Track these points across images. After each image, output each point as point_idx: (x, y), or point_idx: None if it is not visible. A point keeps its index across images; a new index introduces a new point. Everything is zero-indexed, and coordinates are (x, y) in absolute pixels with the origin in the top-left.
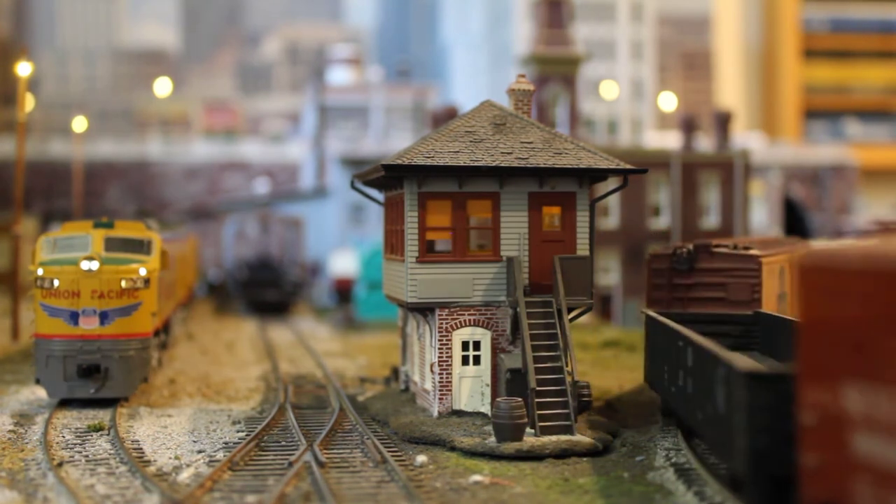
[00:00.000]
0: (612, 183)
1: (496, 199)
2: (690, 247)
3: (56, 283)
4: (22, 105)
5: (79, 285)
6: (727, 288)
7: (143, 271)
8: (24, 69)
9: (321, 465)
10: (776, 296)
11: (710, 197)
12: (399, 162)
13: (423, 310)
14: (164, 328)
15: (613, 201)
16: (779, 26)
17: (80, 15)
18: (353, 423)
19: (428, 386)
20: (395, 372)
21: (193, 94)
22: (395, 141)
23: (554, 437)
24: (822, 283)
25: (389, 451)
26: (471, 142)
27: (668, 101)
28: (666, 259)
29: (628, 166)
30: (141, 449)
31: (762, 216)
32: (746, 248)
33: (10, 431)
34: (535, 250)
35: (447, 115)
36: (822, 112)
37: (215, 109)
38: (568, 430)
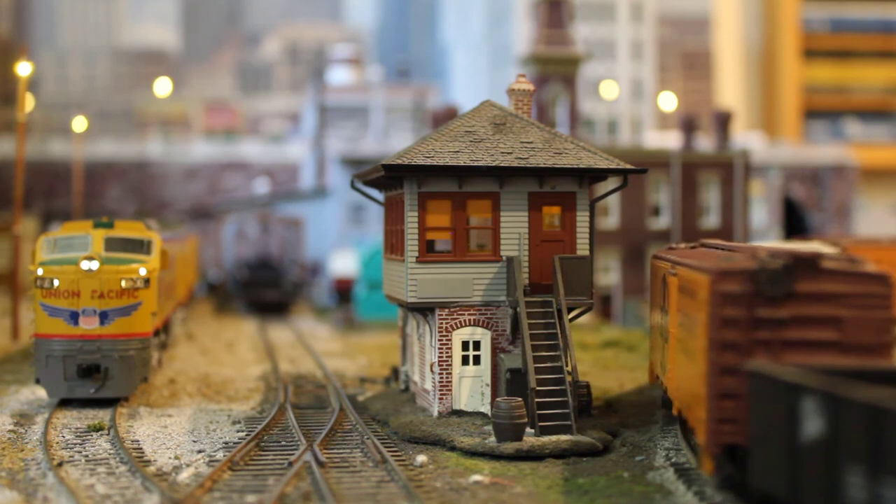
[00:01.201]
0: (612, 183)
1: (496, 199)
2: (786, 260)
3: (56, 283)
4: (22, 105)
5: (79, 285)
6: (843, 325)
7: (143, 271)
8: (24, 69)
9: (321, 464)
10: None
11: (710, 197)
12: (399, 162)
13: (423, 310)
14: (164, 328)
15: (613, 201)
16: (779, 26)
17: (80, 15)
18: (353, 423)
19: (428, 386)
20: (395, 372)
21: (193, 94)
22: (395, 141)
23: (554, 437)
24: None
25: (389, 451)
26: (471, 142)
27: (668, 101)
28: (745, 278)
29: (628, 166)
30: (141, 449)
31: (762, 216)
32: (860, 262)
33: (10, 431)
34: (535, 250)
35: (447, 115)
36: (822, 112)
37: (215, 109)
38: (568, 429)
